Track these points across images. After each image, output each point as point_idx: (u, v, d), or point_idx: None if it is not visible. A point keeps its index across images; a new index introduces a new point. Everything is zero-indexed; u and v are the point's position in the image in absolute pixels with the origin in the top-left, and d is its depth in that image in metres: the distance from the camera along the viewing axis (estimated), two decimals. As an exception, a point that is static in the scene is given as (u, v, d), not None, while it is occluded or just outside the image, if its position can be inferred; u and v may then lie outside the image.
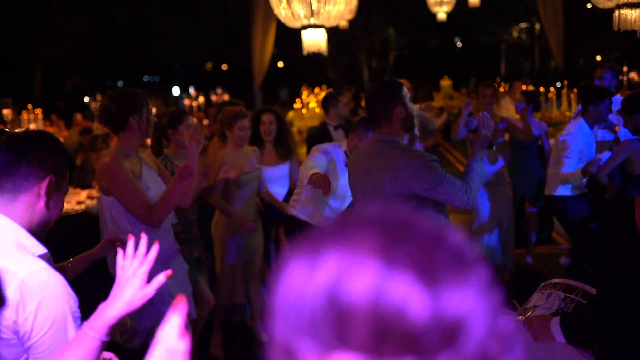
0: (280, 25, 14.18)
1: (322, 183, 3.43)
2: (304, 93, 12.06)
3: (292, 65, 23.70)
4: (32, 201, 1.73)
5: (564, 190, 5.04)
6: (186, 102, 15.22)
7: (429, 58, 27.28)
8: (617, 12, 6.27)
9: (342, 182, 4.05)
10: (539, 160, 6.17)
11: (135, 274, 1.55)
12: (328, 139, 5.45)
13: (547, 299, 2.28)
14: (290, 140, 5.27)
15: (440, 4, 13.68)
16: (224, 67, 31.54)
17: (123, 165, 3.08)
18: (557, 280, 2.42)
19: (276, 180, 5.05)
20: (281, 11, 6.14)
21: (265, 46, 14.19)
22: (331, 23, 6.17)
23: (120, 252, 1.59)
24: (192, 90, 16.32)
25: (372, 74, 24.13)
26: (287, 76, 21.11)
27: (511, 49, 27.70)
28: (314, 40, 6.16)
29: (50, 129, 11.95)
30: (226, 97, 15.78)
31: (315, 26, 6.11)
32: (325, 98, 5.80)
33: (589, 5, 23.08)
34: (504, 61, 27.65)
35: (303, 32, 6.19)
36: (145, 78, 32.41)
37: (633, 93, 5.01)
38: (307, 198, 4.17)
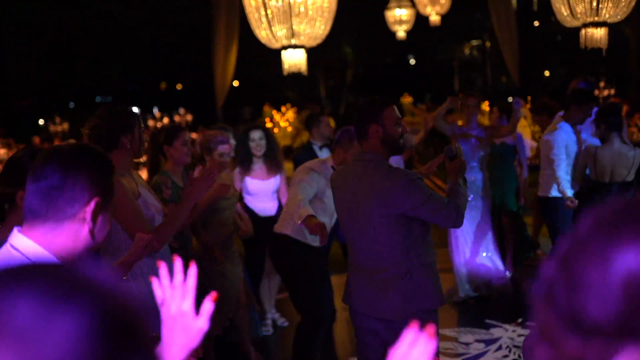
0: (241, 44, 14.27)
1: (321, 233, 3.30)
2: (275, 112, 12.06)
3: (249, 84, 23.72)
4: (75, 228, 1.53)
5: (556, 192, 5.18)
6: (150, 122, 15.05)
7: (385, 76, 27.73)
8: (583, 31, 6.54)
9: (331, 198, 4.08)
10: (515, 171, 6.34)
11: (180, 311, 1.30)
12: (313, 158, 5.55)
13: None
14: (279, 153, 5.35)
15: (400, 22, 13.98)
16: (179, 86, 31.33)
17: (124, 185, 3.00)
18: None
19: (268, 194, 5.24)
20: (262, 32, 6.17)
21: (228, 65, 14.18)
22: (311, 44, 6.23)
23: (155, 283, 1.33)
24: (156, 111, 16.12)
25: (329, 92, 24.35)
26: (247, 95, 21.12)
27: (464, 66, 28.39)
28: (295, 61, 6.21)
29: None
30: (189, 117, 15.64)
31: (295, 46, 6.16)
32: (307, 118, 5.87)
33: (536, 23, 23.94)
34: (457, 77, 28.31)
35: (283, 52, 6.22)
36: (98, 99, 31.86)
37: (605, 104, 5.26)
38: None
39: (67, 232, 1.52)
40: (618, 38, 22.60)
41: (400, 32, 14.14)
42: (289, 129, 10.82)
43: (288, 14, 5.94)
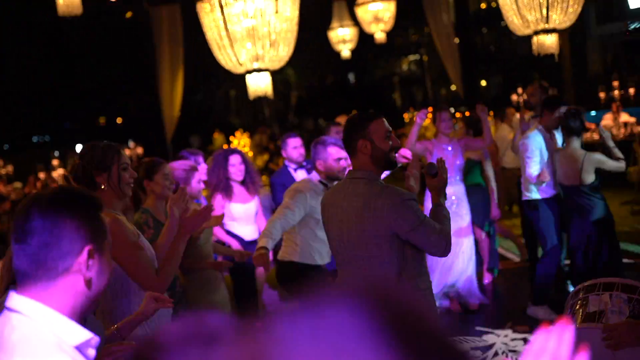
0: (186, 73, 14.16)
1: (263, 263, 3.47)
2: (233, 138, 11.97)
3: (191, 113, 23.50)
4: (71, 283, 1.39)
5: (534, 193, 5.35)
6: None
7: (327, 95, 28.00)
8: (535, 38, 6.78)
9: None
10: (481, 187, 6.33)
11: None
12: (290, 180, 5.50)
13: (611, 302, 2.34)
14: (256, 174, 5.29)
15: (344, 42, 14.17)
16: (119, 120, 30.73)
17: (124, 225, 2.82)
18: (601, 280, 2.48)
19: (252, 218, 5.20)
20: (224, 58, 6.12)
21: (174, 95, 14.02)
22: (275, 66, 6.22)
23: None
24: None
25: (275, 115, 24.38)
26: (190, 124, 20.89)
27: (403, 81, 28.98)
28: (260, 85, 6.18)
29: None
30: (140, 150, 15.32)
31: (260, 70, 6.14)
32: (281, 141, 5.82)
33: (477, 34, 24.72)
34: (399, 92, 28.87)
35: (248, 77, 6.19)
36: (34, 139, 30.91)
37: (567, 111, 5.43)
38: (302, 241, 4.16)
39: (63, 287, 1.38)
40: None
41: (345, 51, 14.34)
42: (250, 153, 10.76)
43: (252, 37, 5.92)
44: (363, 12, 12.58)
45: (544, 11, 6.50)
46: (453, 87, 26.74)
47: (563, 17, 6.57)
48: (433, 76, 25.69)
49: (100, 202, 1.52)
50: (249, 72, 6.14)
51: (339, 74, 28.07)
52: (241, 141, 11.15)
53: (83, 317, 1.46)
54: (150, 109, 14.61)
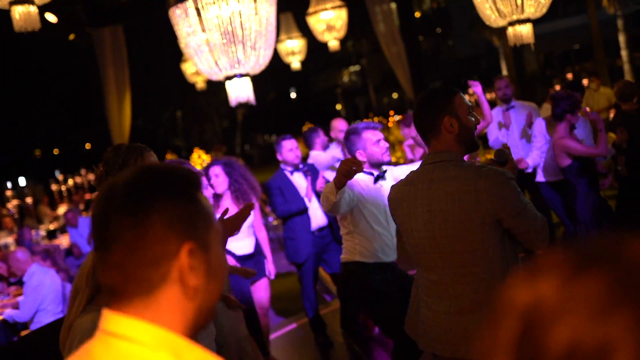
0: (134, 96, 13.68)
1: (357, 164, 2.82)
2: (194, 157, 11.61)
3: (138, 137, 22.89)
4: (174, 295, 1.01)
5: (541, 177, 5.81)
6: (53, 187, 13.84)
7: (269, 111, 27.81)
8: (510, 29, 6.78)
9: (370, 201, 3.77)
10: None
11: None
12: (287, 183, 5.31)
13: None
14: (247, 183, 5.00)
15: (293, 53, 14.06)
16: (55, 151, 29.59)
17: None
18: None
19: (244, 230, 4.86)
20: (203, 64, 5.83)
21: (123, 119, 13.54)
22: (255, 71, 5.97)
23: None
24: (58, 174, 14.88)
25: (222, 133, 23.98)
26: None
27: (345, 92, 29.12)
28: (241, 90, 5.91)
29: None
30: (92, 176, 14.69)
31: (241, 75, 5.87)
32: (276, 144, 5.57)
33: (421, 38, 25.14)
34: (342, 103, 28.97)
35: (228, 83, 5.91)
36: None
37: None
38: (361, 239, 3.80)
39: (166, 302, 1.00)
40: (488, 48, 24.25)
41: (295, 63, 14.24)
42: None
43: (231, 41, 5.66)
44: (315, 22, 12.45)
45: (519, 1, 6.53)
46: (395, 95, 27.06)
47: (537, 6, 6.61)
48: (375, 85, 25.88)
49: (198, 178, 1.08)
50: (229, 78, 5.86)
51: (280, 90, 27.97)
52: (201, 156, 10.81)
53: (197, 333, 1.08)
54: (101, 135, 14.07)
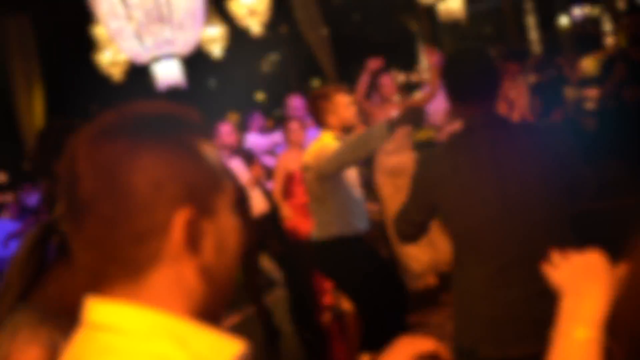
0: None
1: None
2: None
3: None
4: (168, 277, 0.75)
5: None
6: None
7: (190, 102, 27.00)
8: (442, 5, 6.77)
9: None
10: None
11: None
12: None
13: None
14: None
15: (214, 41, 13.74)
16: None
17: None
18: None
19: None
20: (126, 44, 5.46)
21: (33, 112, 12.78)
22: (185, 51, 5.65)
23: None
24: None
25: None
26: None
27: (268, 79, 28.85)
28: (169, 73, 5.59)
29: None
30: (2, 177, 13.81)
31: (168, 57, 5.55)
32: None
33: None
34: (263, 92, 28.66)
35: (155, 65, 5.57)
36: None
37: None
38: (338, 207, 3.48)
39: (158, 286, 0.75)
40: (405, 32, 24.56)
41: (216, 51, 13.93)
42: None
43: (155, 20, 5.32)
44: (237, 7, 12.16)
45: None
46: (316, 83, 27.01)
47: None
48: (296, 72, 25.73)
49: (199, 121, 0.82)
50: (157, 58, 5.53)
51: (202, 79, 27.30)
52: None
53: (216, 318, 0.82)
54: (6, 132, 13.23)
